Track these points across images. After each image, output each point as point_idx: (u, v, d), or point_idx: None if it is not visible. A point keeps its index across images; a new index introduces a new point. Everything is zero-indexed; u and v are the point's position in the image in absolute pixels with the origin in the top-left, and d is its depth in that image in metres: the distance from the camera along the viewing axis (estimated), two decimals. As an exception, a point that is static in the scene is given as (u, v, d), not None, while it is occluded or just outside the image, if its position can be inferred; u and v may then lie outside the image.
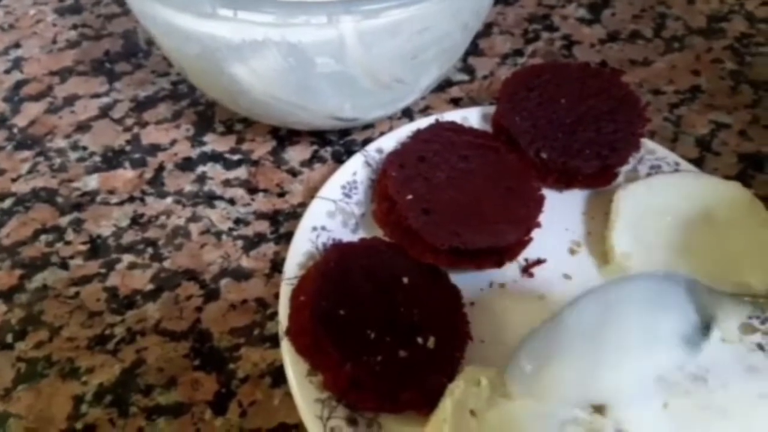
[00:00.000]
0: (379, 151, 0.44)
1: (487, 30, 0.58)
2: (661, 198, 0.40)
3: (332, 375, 0.33)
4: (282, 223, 0.44)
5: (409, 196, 0.38)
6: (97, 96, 0.52)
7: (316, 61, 0.36)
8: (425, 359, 0.33)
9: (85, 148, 0.48)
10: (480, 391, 0.30)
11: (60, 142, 0.48)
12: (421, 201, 0.38)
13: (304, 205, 0.45)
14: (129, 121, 0.50)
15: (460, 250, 0.36)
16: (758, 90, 0.53)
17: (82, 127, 0.49)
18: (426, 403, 0.31)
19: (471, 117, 0.46)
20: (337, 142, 0.48)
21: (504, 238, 0.37)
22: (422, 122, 0.45)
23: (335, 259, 0.36)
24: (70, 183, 0.46)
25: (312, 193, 0.45)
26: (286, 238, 0.43)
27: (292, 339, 0.34)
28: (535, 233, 0.39)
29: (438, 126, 0.44)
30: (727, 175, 0.47)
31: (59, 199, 0.45)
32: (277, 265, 0.41)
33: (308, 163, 0.47)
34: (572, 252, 0.41)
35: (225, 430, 0.35)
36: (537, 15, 0.60)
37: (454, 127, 0.44)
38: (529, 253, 0.39)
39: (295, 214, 0.44)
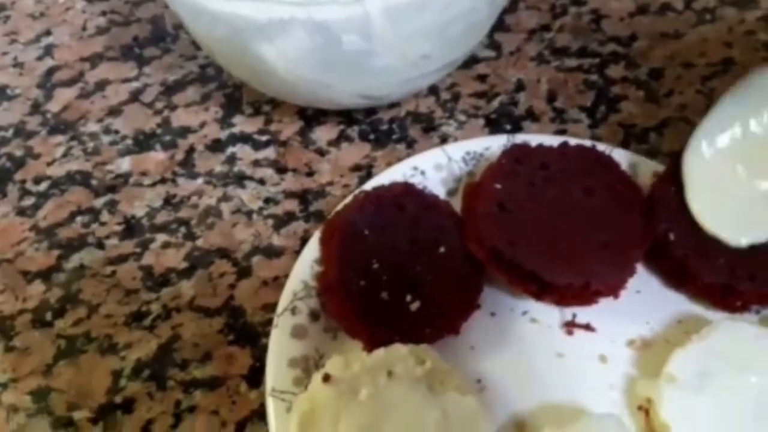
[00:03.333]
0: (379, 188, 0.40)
1: (513, 5, 0.57)
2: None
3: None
4: (311, 202, 0.44)
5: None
6: (127, 81, 0.52)
7: (342, 38, 0.36)
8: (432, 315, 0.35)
9: (117, 132, 0.49)
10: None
11: (92, 126, 0.49)
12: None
13: (332, 184, 0.45)
14: (159, 105, 0.50)
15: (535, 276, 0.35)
16: (793, 60, 0.52)
17: (114, 111, 0.50)
18: None
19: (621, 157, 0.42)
20: (363, 121, 0.49)
21: (596, 277, 0.35)
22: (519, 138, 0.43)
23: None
24: (104, 166, 0.47)
25: (340, 171, 0.46)
26: (315, 216, 0.43)
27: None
28: (607, 302, 0.36)
29: (566, 147, 0.41)
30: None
31: (93, 182, 0.46)
32: (306, 243, 0.41)
33: (335, 142, 0.47)
34: (630, 344, 0.36)
35: (260, 402, 0.35)
36: (564, -11, 0.59)
37: (590, 153, 0.41)
38: (586, 313, 0.37)
39: (324, 193, 0.45)
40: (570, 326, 0.37)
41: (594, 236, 0.37)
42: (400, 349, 0.33)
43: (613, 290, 0.36)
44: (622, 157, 0.42)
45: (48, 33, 0.57)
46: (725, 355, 0.33)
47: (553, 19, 0.56)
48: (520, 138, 0.43)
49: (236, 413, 0.36)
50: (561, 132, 0.47)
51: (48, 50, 0.55)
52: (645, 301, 0.38)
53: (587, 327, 0.37)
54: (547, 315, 0.37)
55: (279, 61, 0.38)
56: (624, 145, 0.46)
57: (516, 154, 0.40)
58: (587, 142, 0.42)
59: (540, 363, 0.36)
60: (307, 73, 0.40)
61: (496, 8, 0.42)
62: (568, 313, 0.37)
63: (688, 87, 0.50)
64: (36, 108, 0.51)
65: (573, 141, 0.41)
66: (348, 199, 0.40)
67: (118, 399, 0.37)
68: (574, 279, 0.35)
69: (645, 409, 0.33)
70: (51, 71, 0.54)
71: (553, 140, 0.42)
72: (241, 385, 0.36)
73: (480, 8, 0.39)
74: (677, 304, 0.38)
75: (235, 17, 0.35)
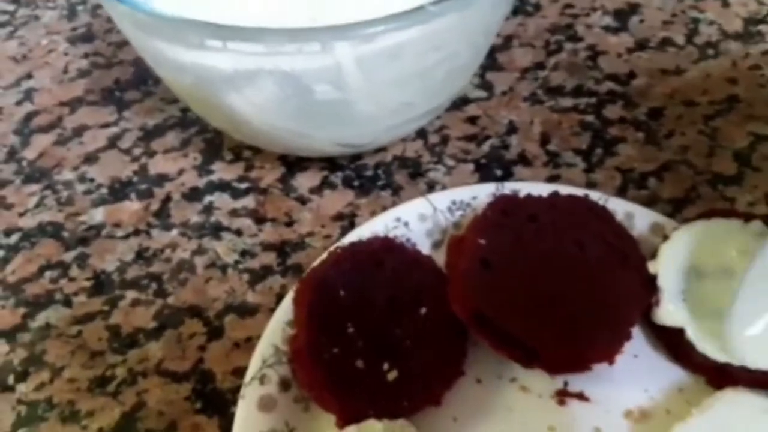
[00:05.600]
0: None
1: (506, 43, 0.55)
2: None
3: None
4: (289, 254, 0.42)
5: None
6: (106, 126, 0.51)
7: (314, 88, 0.34)
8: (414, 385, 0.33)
9: (92, 180, 0.47)
10: None
11: (68, 174, 0.48)
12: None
13: (312, 235, 0.43)
14: (137, 151, 0.49)
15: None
16: (802, 97, 0.49)
17: (90, 158, 0.49)
18: None
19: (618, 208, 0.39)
20: (348, 166, 0.47)
21: (589, 344, 0.33)
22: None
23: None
24: (77, 217, 0.45)
25: (322, 221, 0.44)
26: (293, 270, 0.41)
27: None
28: (602, 368, 0.33)
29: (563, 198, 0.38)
30: (769, 193, 0.43)
31: (65, 234, 0.44)
32: (282, 300, 0.39)
33: (318, 189, 0.45)
34: (627, 415, 0.33)
35: (226, 479, 0.33)
36: (559, 25, 0.57)
37: (582, 203, 0.38)
38: (579, 380, 0.34)
39: (303, 245, 0.42)
40: (562, 395, 0.34)
41: (586, 295, 0.34)
42: (374, 426, 0.30)
43: (608, 356, 0.33)
44: (617, 206, 0.39)
45: (29, 76, 0.56)
46: (729, 429, 0.30)
47: (548, 56, 0.54)
48: (508, 187, 0.40)
49: (201, 491, 0.33)
50: (554, 177, 0.45)
51: (28, 94, 0.54)
52: (643, 366, 0.35)
53: (580, 396, 0.34)
54: (538, 382, 0.34)
55: (251, 110, 0.37)
56: (621, 190, 0.44)
57: (502, 205, 0.38)
58: (579, 192, 0.39)
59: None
60: (281, 123, 0.38)
61: (480, 51, 0.40)
62: (559, 380, 0.34)
63: (690, 127, 0.48)
64: (12, 155, 0.50)
65: (564, 190, 0.39)
66: (324, 255, 0.37)
67: (77, 473, 0.34)
68: (564, 346, 0.32)
69: (643, 491, 0.30)
70: (29, 116, 0.52)
71: (543, 189, 0.39)
72: (207, 459, 0.34)
73: (460, 53, 0.37)
74: (678, 370, 0.35)
75: (200, 68, 0.34)
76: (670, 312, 0.34)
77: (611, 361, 0.34)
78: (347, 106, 0.36)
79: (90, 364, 0.38)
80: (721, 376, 0.33)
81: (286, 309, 0.36)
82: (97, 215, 0.45)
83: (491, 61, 0.53)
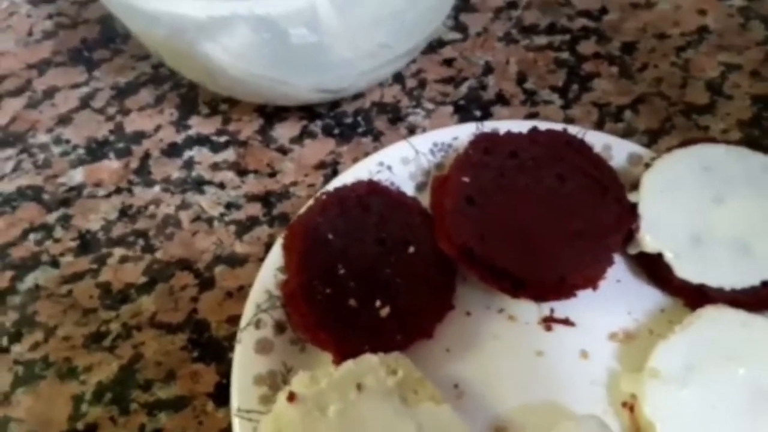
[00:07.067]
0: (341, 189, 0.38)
1: (478, -16, 0.55)
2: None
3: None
4: (275, 205, 0.42)
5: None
6: (76, 86, 0.50)
7: (289, 32, 0.34)
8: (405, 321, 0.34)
9: (68, 142, 0.46)
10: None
11: (42, 137, 0.47)
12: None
13: (296, 184, 0.43)
14: (111, 110, 0.48)
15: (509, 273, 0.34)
16: (770, 25, 0.50)
17: (64, 119, 0.48)
18: None
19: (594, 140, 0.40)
20: (327, 115, 0.46)
21: (572, 270, 0.34)
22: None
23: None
24: (56, 179, 0.45)
25: (304, 170, 0.44)
26: (280, 220, 0.41)
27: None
28: (586, 294, 0.34)
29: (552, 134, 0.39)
30: (741, 120, 0.44)
31: (46, 196, 0.44)
32: (271, 248, 0.39)
33: (298, 139, 0.45)
34: (612, 337, 0.35)
35: (228, 421, 0.34)
36: (531, -36, 0.57)
37: (561, 137, 0.39)
38: (565, 307, 0.35)
39: (288, 194, 0.43)
40: (548, 322, 0.35)
41: (568, 225, 0.35)
42: (370, 360, 0.31)
43: (592, 282, 0.34)
44: (595, 139, 0.40)
45: (-8, 40, 0.54)
46: (711, 345, 0.32)
47: (521, -5, 0.54)
48: (488, 126, 0.41)
49: (204, 434, 0.34)
50: (533, 115, 0.46)
51: (-7, 59, 0.53)
52: (626, 290, 0.36)
53: (566, 322, 0.35)
54: (525, 311, 0.36)
55: (227, 59, 0.36)
56: (598, 125, 0.45)
57: (483, 143, 0.38)
58: (558, 126, 0.40)
59: (519, 362, 0.34)
60: (258, 71, 0.37)
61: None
62: (545, 308, 0.36)
63: (663, 59, 0.48)
64: (-17, 121, 0.49)
65: (543, 126, 0.40)
66: (310, 202, 0.38)
67: (80, 426, 0.35)
68: (549, 274, 0.33)
69: (630, 406, 0.32)
70: (-3, 81, 0.51)
71: (522, 126, 0.40)
72: (208, 404, 0.35)
73: (434, -9, 0.37)
74: (660, 292, 0.36)
75: (174, 17, 0.33)
76: (649, 238, 0.35)
77: (595, 287, 0.35)
78: (324, 50, 0.36)
79: (83, 321, 0.38)
80: (699, 297, 0.34)
81: (276, 256, 0.36)
82: (77, 176, 0.45)
83: (464, 2, 0.53)
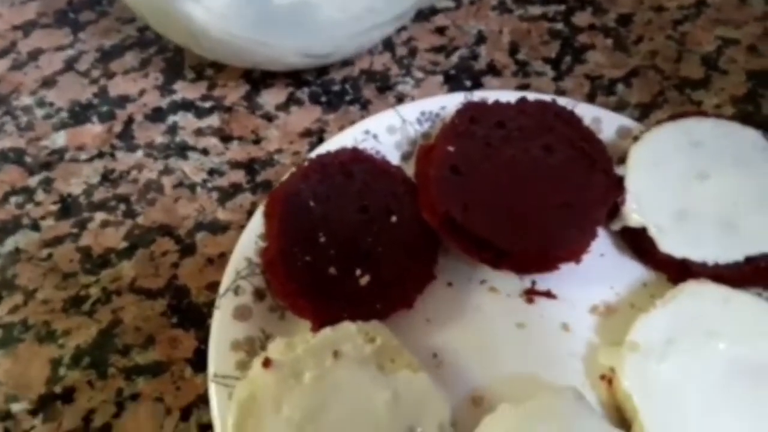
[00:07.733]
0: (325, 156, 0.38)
1: (473, -49, 0.54)
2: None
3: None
4: (258, 172, 0.42)
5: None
6: (61, 48, 0.49)
7: (272, -9, 0.33)
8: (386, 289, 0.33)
9: (51, 104, 0.46)
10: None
11: (26, 99, 0.46)
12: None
13: (281, 152, 0.42)
14: (95, 73, 0.47)
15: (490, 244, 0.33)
16: (770, -1, 0.49)
17: (48, 82, 0.47)
18: None
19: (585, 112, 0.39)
20: (314, 82, 0.46)
21: (555, 243, 0.33)
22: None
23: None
24: (38, 141, 0.44)
25: (289, 138, 0.43)
26: (263, 187, 0.41)
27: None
28: (569, 267, 0.34)
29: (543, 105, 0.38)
30: (735, 95, 0.44)
31: (28, 159, 0.43)
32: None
33: (284, 106, 0.45)
34: (593, 310, 0.34)
35: (205, 387, 0.33)
36: (528, -68, 0.56)
37: (550, 108, 0.38)
38: (547, 279, 0.35)
39: (272, 162, 0.42)
40: (530, 294, 0.35)
41: (553, 197, 0.35)
42: (348, 327, 0.31)
43: (575, 255, 0.34)
44: (585, 111, 0.39)
45: (-23, 0, 0.53)
46: (692, 319, 0.31)
47: (516, -36, 0.53)
48: (477, 95, 0.40)
49: (181, 399, 0.34)
50: (524, 86, 0.45)
51: (-23, 19, 0.52)
52: (609, 264, 0.36)
53: (548, 294, 0.35)
54: (507, 283, 0.35)
55: (209, 19, 0.36)
56: (590, 97, 0.44)
57: (471, 113, 0.37)
58: (547, 97, 0.39)
59: (499, 334, 0.34)
60: (241, 32, 0.37)
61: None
62: (527, 280, 0.35)
63: (659, 32, 0.48)
64: (-35, 82, 0.48)
65: (532, 96, 0.39)
66: (293, 169, 0.37)
67: (57, 389, 0.35)
68: (531, 246, 0.33)
69: (608, 379, 0.32)
70: (-19, 41, 0.50)
71: (511, 96, 0.39)
72: (186, 370, 0.35)
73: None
74: (643, 267, 0.36)
75: (154, -26, 0.32)
76: (634, 212, 0.35)
77: (578, 260, 0.34)
78: (309, 11, 0.35)
79: (63, 285, 0.38)
80: (682, 271, 0.34)
81: (257, 222, 0.36)
82: (59, 139, 0.44)
83: (459, -29, 0.52)
